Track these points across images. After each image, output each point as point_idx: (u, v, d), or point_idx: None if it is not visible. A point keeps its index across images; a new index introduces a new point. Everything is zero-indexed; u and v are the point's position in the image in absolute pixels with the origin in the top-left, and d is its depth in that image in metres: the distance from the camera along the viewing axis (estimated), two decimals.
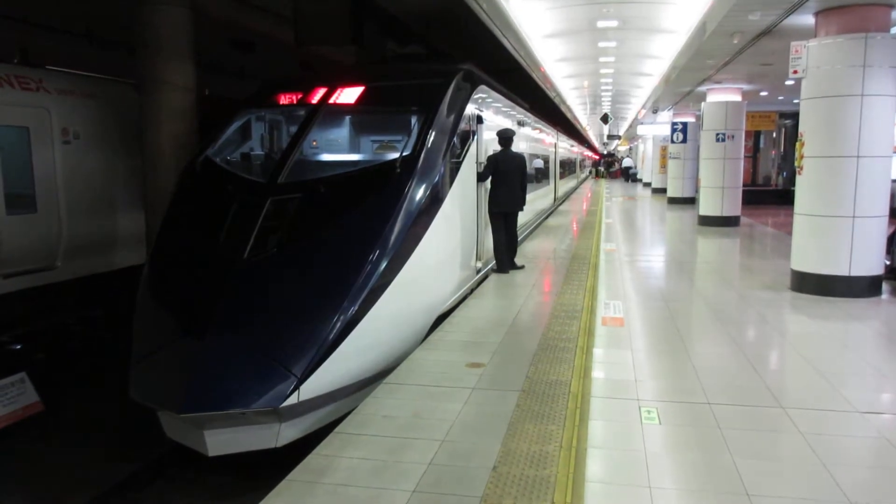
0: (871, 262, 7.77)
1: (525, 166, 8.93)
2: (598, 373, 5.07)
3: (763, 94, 16.81)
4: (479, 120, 8.23)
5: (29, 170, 8.37)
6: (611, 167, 57.02)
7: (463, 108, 7.19)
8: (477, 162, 8.16)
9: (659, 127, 24.97)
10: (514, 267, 9.25)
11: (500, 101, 10.31)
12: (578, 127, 37.16)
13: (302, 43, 10.42)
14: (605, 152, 69.35)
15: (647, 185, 32.92)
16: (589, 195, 29.28)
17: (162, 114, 8.41)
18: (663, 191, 24.74)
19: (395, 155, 6.18)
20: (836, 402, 4.56)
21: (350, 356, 4.91)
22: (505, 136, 8.73)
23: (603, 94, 22.53)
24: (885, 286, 8.12)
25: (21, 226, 8.24)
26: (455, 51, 13.29)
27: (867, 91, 7.44)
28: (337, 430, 4.02)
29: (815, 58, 7.72)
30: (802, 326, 6.79)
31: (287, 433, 4.77)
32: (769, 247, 13.22)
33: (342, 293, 5.00)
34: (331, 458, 3.64)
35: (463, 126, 7.24)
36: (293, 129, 6.90)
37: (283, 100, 7.11)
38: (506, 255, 9.05)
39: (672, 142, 21.34)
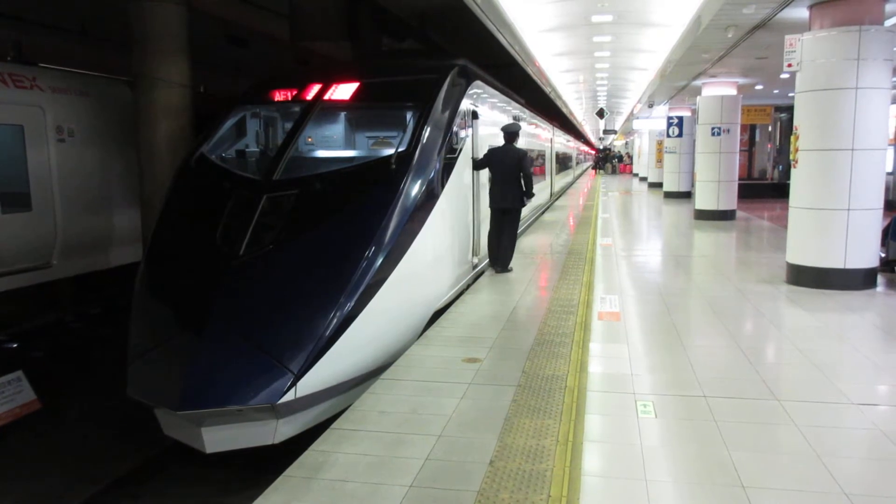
0: (866, 255, 7.79)
1: (521, 162, 8.39)
2: (594, 367, 5.08)
3: (758, 87, 16.84)
4: (475, 115, 8.22)
5: (23, 168, 8.36)
6: (607, 161, 55.66)
7: (458, 104, 7.18)
8: (473, 158, 8.15)
9: (655, 121, 24.97)
10: (504, 269, 8.76)
11: (496, 97, 10.30)
12: (574, 122, 37.18)
13: (297, 39, 10.41)
14: (602, 147, 69.21)
15: (644, 179, 32.94)
16: (585, 190, 29.28)
17: (157, 111, 8.38)
18: (659, 185, 24.76)
19: (391, 151, 6.17)
20: (831, 394, 4.58)
21: (347, 352, 4.91)
22: (507, 132, 8.50)
23: (599, 88, 22.54)
24: (880, 278, 8.15)
25: (16, 224, 8.23)
26: (450, 46, 13.30)
27: (861, 84, 7.45)
28: (334, 426, 4.03)
29: (809, 51, 7.73)
30: (798, 319, 6.81)
31: (284, 430, 4.78)
32: (765, 240, 13.25)
33: (338, 289, 5.00)
34: (328, 453, 3.65)
35: (458, 122, 7.23)
36: (288, 125, 6.89)
37: (279, 96, 7.10)
38: (497, 252, 8.71)
39: (668, 136, 21.36)
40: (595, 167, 55.79)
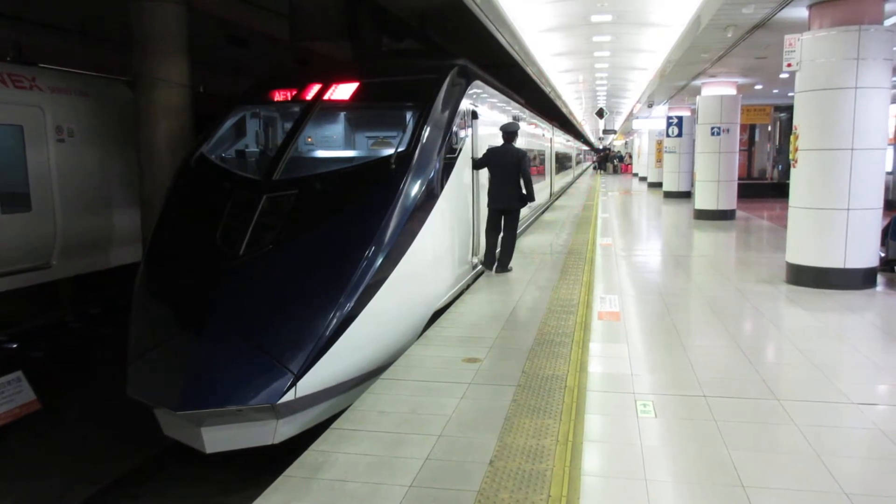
0: (865, 255, 7.80)
1: (521, 162, 8.33)
2: (594, 367, 5.08)
3: (758, 87, 16.84)
4: (475, 115, 8.21)
5: (23, 168, 8.35)
6: (608, 161, 55.35)
7: (458, 104, 7.18)
8: (472, 157, 8.14)
9: (654, 121, 24.97)
10: (503, 269, 8.70)
11: (496, 97, 10.30)
12: (574, 122, 37.20)
13: (297, 39, 10.41)
14: (602, 147, 69.20)
15: (643, 179, 32.95)
16: (585, 190, 29.28)
17: (157, 111, 8.37)
18: (659, 185, 24.78)
19: (391, 151, 6.17)
20: (831, 393, 4.58)
21: (346, 352, 4.91)
22: (506, 131, 8.46)
23: (598, 88, 22.55)
24: (879, 278, 8.15)
25: (15, 224, 8.23)
26: (450, 46, 13.30)
27: (861, 83, 7.45)
28: (333, 426, 4.03)
29: (809, 51, 7.73)
30: (798, 319, 6.81)
31: (284, 430, 4.77)
32: (765, 240, 13.26)
33: (338, 289, 5.00)
34: (327, 453, 3.65)
35: (458, 122, 7.23)
36: (288, 125, 6.89)
37: (278, 96, 7.10)
38: (494, 253, 8.64)
39: (667, 136, 21.37)
40: (596, 168, 55.43)
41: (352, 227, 5.46)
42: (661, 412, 4.21)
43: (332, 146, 7.49)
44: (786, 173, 23.08)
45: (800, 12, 8.19)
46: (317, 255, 5.28)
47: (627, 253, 10.91)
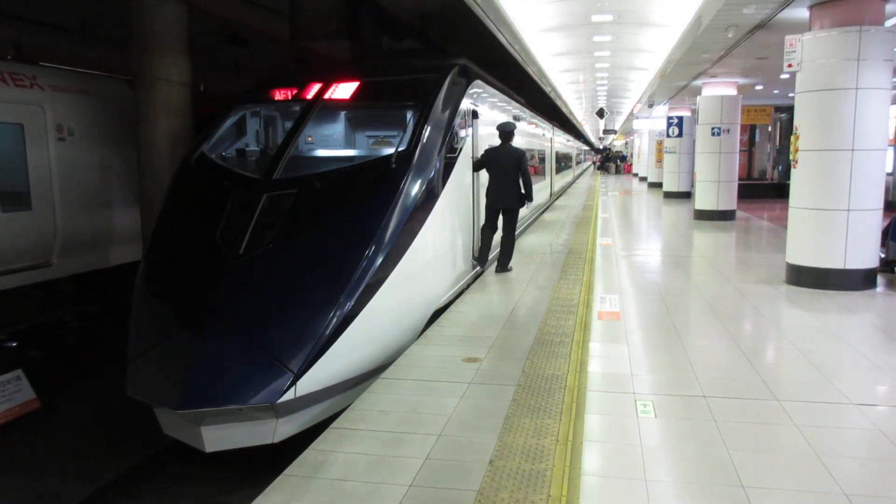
0: (865, 255, 7.79)
1: (520, 162, 8.30)
2: (594, 367, 5.08)
3: (758, 87, 16.84)
4: (475, 115, 8.20)
5: (23, 167, 8.36)
6: (609, 161, 55.05)
7: (458, 104, 7.18)
8: (473, 157, 8.13)
9: (655, 121, 24.96)
10: (503, 269, 8.71)
11: (496, 97, 10.30)
12: (574, 122, 37.20)
13: (297, 38, 10.41)
14: (602, 147, 69.16)
15: (643, 179, 32.95)
16: (585, 190, 29.27)
17: (157, 110, 8.37)
18: (659, 185, 24.77)
19: (391, 150, 6.17)
20: (831, 394, 4.58)
21: (346, 352, 4.91)
22: (502, 130, 8.43)
23: (599, 88, 22.55)
24: (879, 279, 8.15)
25: (16, 223, 8.23)
26: (450, 46, 13.30)
27: (861, 84, 7.45)
28: (333, 425, 4.03)
29: (809, 51, 7.73)
30: (798, 319, 6.81)
31: (284, 429, 4.78)
32: (765, 240, 13.25)
33: (338, 289, 5.00)
34: (327, 453, 3.65)
35: (458, 121, 7.22)
36: (288, 124, 6.89)
37: (279, 95, 7.11)
38: (487, 250, 8.55)
39: (668, 136, 21.35)
40: (598, 168, 55.24)
41: (352, 227, 5.46)
42: (660, 412, 4.21)
43: (332, 145, 7.49)
44: (786, 174, 23.06)
45: (800, 13, 8.19)
46: (317, 254, 5.28)
47: (627, 253, 10.90)
